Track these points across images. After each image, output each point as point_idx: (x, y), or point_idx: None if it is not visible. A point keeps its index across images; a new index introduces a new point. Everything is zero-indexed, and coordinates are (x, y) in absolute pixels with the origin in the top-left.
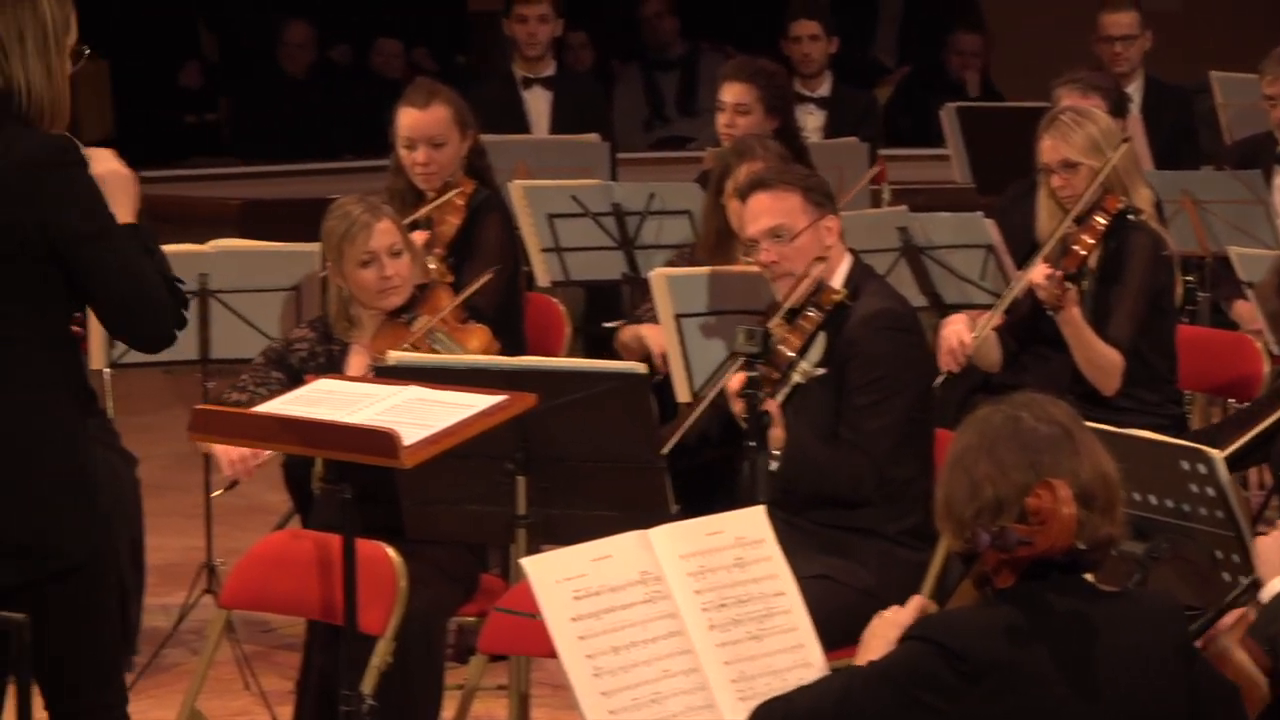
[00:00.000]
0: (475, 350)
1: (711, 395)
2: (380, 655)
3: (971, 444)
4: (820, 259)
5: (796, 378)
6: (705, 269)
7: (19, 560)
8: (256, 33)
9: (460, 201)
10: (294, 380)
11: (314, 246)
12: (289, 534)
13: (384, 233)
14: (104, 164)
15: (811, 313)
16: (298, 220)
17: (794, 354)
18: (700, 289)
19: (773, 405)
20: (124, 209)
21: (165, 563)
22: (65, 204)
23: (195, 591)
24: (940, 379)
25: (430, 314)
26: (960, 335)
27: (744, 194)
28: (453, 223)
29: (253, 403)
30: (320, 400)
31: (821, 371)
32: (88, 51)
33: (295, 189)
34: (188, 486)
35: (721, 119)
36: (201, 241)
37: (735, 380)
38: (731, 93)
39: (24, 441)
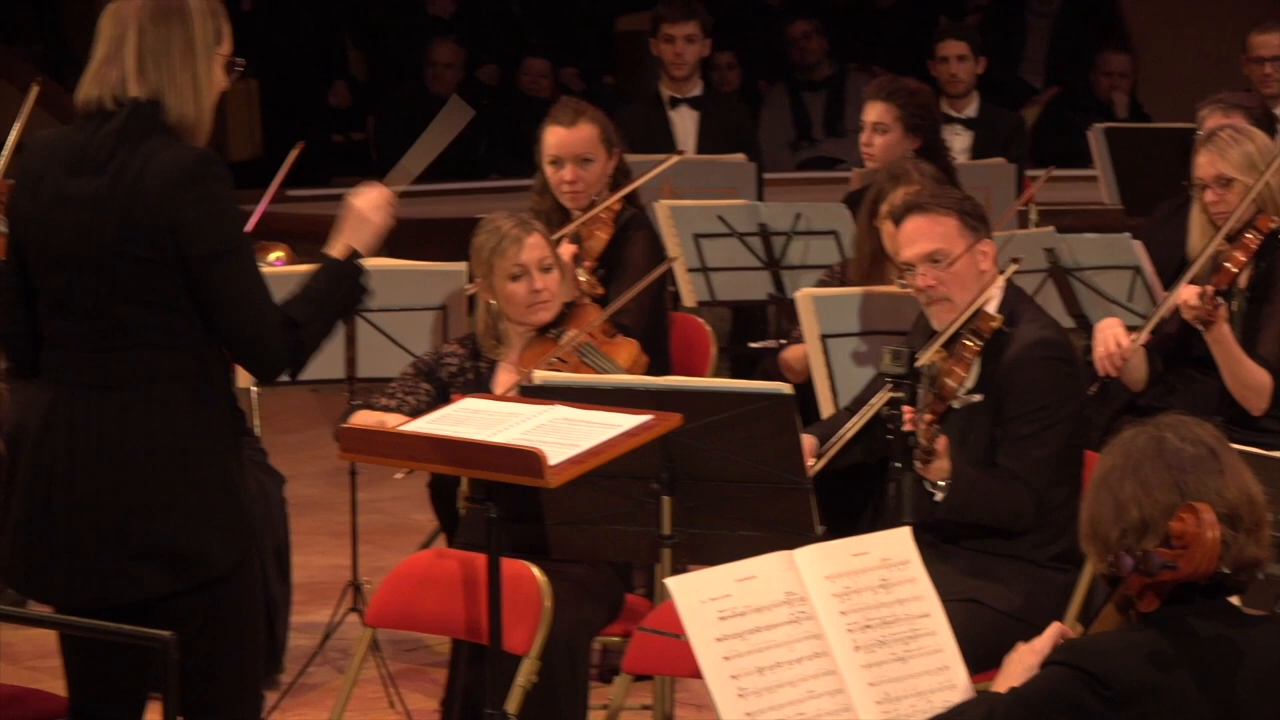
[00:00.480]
0: (625, 364)
1: (863, 418)
2: (525, 674)
3: (1116, 465)
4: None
5: (952, 403)
6: (850, 289)
7: (167, 570)
8: (404, 52)
9: (607, 216)
10: (442, 393)
11: (460, 266)
12: (434, 553)
13: (534, 247)
14: (358, 198)
15: (970, 341)
16: (445, 239)
17: (959, 385)
18: (846, 309)
19: (943, 441)
20: (339, 244)
21: (311, 581)
22: (195, 219)
23: (341, 610)
24: (1095, 387)
25: (579, 329)
26: (1118, 338)
27: (899, 217)
28: (601, 237)
29: (400, 411)
30: (466, 419)
31: (977, 398)
32: (242, 64)
33: (442, 208)
34: (334, 505)
35: (861, 138)
36: None
37: (884, 401)
38: (872, 112)
39: (175, 451)
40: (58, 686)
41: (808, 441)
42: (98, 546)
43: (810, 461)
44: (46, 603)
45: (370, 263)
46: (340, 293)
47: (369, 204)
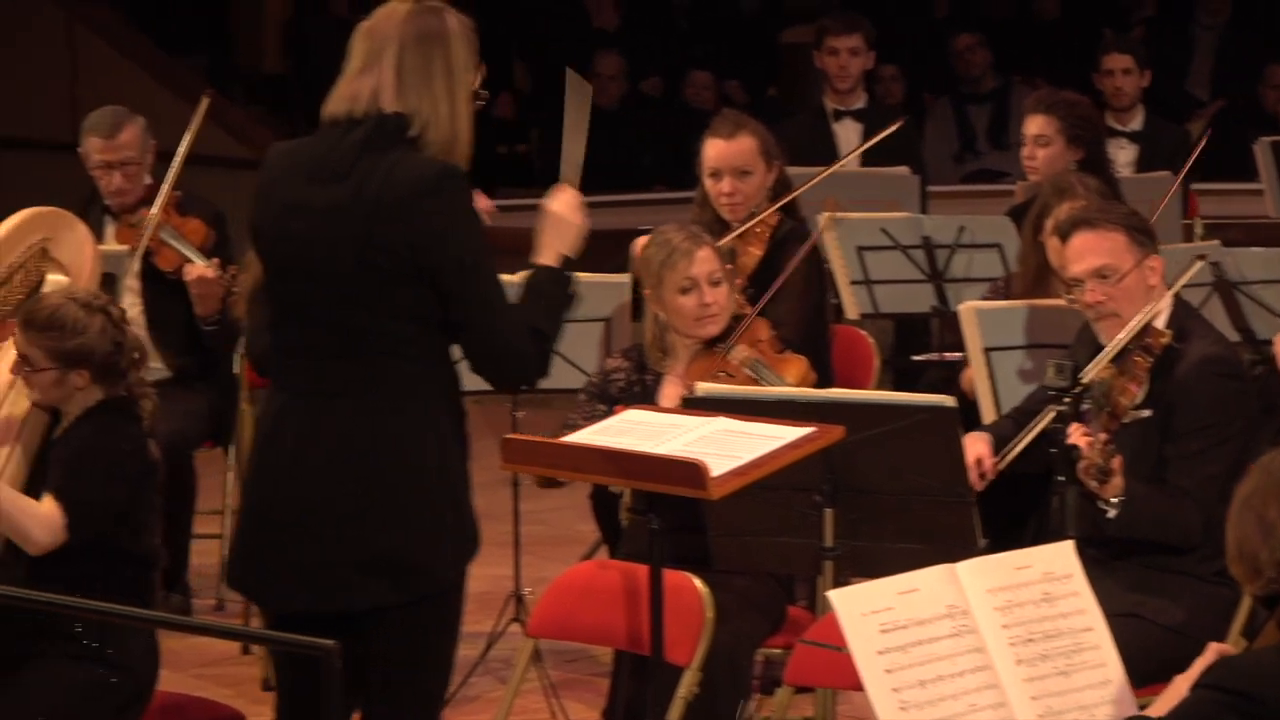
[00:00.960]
0: (794, 380)
1: (1031, 432)
2: (686, 686)
3: (1259, 487)
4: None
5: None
6: (1014, 303)
7: (391, 581)
8: (569, 64)
9: (762, 231)
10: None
11: (624, 277)
12: (596, 564)
13: (704, 260)
14: (553, 203)
15: (1140, 357)
16: (608, 251)
17: (1131, 402)
18: (1010, 323)
19: (1119, 460)
20: (548, 251)
21: (474, 591)
22: (438, 231)
23: (503, 620)
24: None
25: (747, 343)
26: None
27: (1065, 232)
28: (754, 253)
29: None
30: (629, 430)
31: (1146, 414)
32: (486, 96)
33: (605, 220)
34: (497, 515)
35: (1024, 151)
36: (511, 271)
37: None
38: (1033, 124)
39: (405, 462)
40: (221, 694)
41: (984, 440)
42: (322, 555)
43: (992, 459)
44: (268, 608)
45: (523, 276)
46: (562, 299)
47: (566, 207)
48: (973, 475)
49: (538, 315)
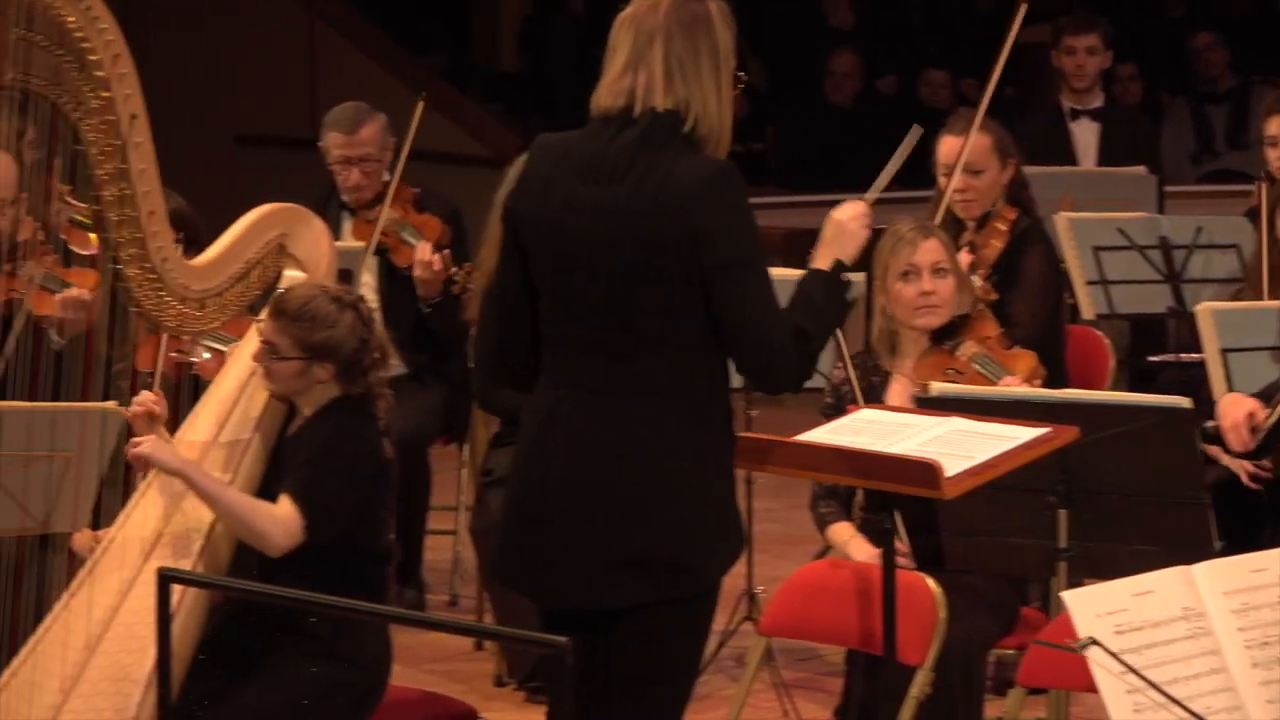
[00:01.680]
0: (1023, 375)
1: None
2: (919, 685)
3: None
4: None
5: None
6: (1252, 304)
7: (655, 579)
8: (804, 62)
9: (1003, 226)
10: None
11: (857, 276)
12: (829, 563)
13: (929, 250)
14: (839, 211)
15: None
16: None
17: None
18: (1247, 323)
19: None
20: (824, 256)
21: None
22: (713, 230)
23: (735, 618)
24: None
25: (975, 340)
26: None
27: None
28: (996, 245)
29: None
30: (862, 429)
31: None
32: (745, 79)
33: None
34: None
35: (1271, 154)
36: None
37: None
38: (1274, 124)
39: (674, 462)
40: (454, 690)
41: (1247, 398)
42: (588, 551)
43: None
44: (534, 602)
45: (774, 273)
46: (834, 304)
47: (849, 217)
48: (1242, 433)
49: (804, 317)
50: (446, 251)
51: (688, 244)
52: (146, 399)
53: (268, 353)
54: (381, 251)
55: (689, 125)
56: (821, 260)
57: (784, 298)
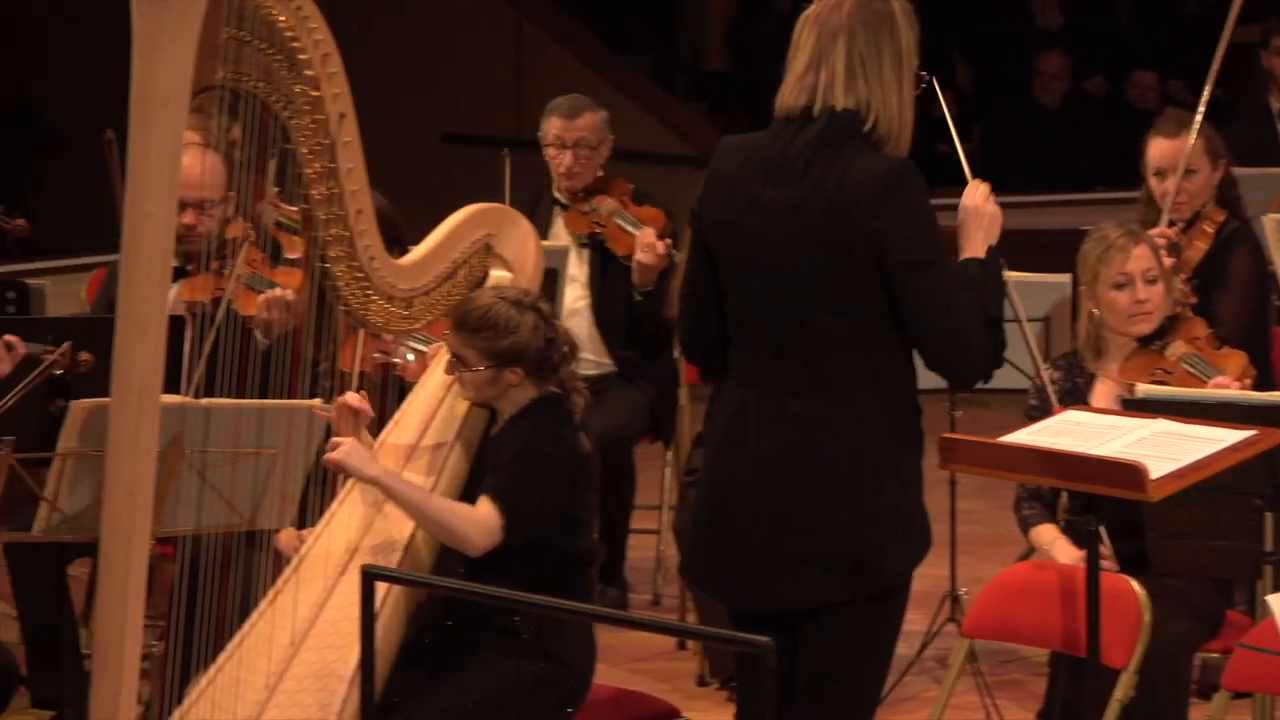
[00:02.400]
0: (1233, 374)
1: None
2: (1123, 689)
3: None
4: None
5: None
6: None
7: (844, 577)
8: (1011, 63)
9: (1209, 229)
10: None
11: (1063, 277)
12: (1033, 564)
13: (1140, 257)
14: (968, 197)
15: None
16: (1048, 251)
17: None
18: None
19: None
20: (973, 244)
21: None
22: (894, 228)
23: (939, 620)
24: None
25: (1184, 340)
26: None
27: None
28: (1199, 247)
29: None
30: (1066, 431)
31: None
32: (927, 78)
33: (1046, 219)
34: (934, 514)
35: None
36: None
37: None
38: None
39: (861, 460)
40: (657, 689)
41: None
42: (773, 551)
43: None
44: (723, 603)
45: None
46: (999, 287)
47: (980, 200)
48: None
49: (990, 305)
50: (669, 240)
51: (867, 243)
52: (352, 398)
53: (457, 365)
54: (596, 245)
55: (869, 124)
56: (971, 249)
57: (1039, 300)
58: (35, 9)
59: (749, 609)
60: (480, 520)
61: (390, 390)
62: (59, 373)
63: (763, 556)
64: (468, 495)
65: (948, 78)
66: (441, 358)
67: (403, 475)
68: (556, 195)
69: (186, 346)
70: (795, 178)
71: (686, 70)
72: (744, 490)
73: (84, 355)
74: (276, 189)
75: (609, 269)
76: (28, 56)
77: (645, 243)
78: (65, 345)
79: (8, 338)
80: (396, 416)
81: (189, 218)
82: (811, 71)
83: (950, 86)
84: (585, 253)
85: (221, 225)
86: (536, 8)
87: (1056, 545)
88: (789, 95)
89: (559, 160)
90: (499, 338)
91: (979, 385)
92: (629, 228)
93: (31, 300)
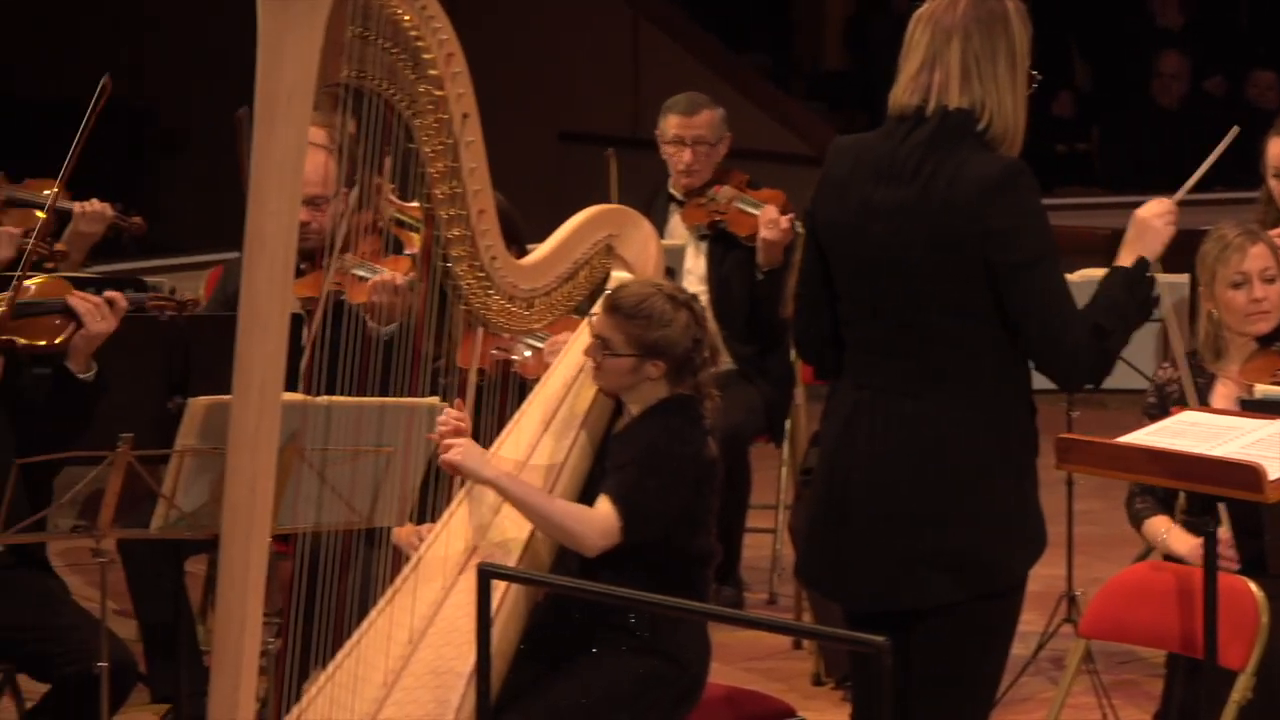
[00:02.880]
0: None
1: None
2: (1240, 691)
3: None
4: None
5: None
6: None
7: (959, 577)
8: (1130, 63)
9: None
10: None
11: (1181, 277)
12: (1150, 565)
13: (1258, 256)
14: (1144, 208)
15: None
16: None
17: None
18: None
19: None
20: (1127, 251)
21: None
22: (1005, 227)
23: (1055, 620)
24: None
25: None
26: None
27: None
28: None
29: None
30: (1184, 432)
31: None
32: (1039, 78)
33: None
34: (1050, 515)
35: None
36: (1069, 271)
37: None
38: None
39: (976, 460)
40: (772, 688)
41: None
42: (888, 551)
43: None
44: (837, 603)
45: (1089, 273)
46: (1136, 301)
47: (1153, 214)
48: None
49: (1102, 313)
50: (792, 214)
51: (979, 243)
52: (449, 419)
53: (600, 348)
54: (716, 234)
55: (983, 124)
56: (1125, 257)
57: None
58: (155, 7)
59: (864, 609)
60: (598, 522)
61: (511, 386)
62: (169, 315)
63: (878, 557)
64: (589, 491)
65: (1067, 78)
66: (564, 355)
67: (523, 474)
68: (672, 192)
69: (306, 349)
70: (907, 178)
71: (804, 70)
72: (859, 490)
73: (190, 296)
74: (393, 185)
75: (728, 259)
76: (149, 55)
77: (768, 219)
78: (170, 288)
79: (109, 294)
80: (517, 416)
81: (303, 214)
82: (925, 71)
83: (1069, 86)
84: (704, 245)
85: (335, 221)
86: (654, 7)
87: (1171, 533)
88: (902, 95)
89: (678, 157)
90: (651, 328)
91: (1089, 387)
92: (749, 209)
93: None
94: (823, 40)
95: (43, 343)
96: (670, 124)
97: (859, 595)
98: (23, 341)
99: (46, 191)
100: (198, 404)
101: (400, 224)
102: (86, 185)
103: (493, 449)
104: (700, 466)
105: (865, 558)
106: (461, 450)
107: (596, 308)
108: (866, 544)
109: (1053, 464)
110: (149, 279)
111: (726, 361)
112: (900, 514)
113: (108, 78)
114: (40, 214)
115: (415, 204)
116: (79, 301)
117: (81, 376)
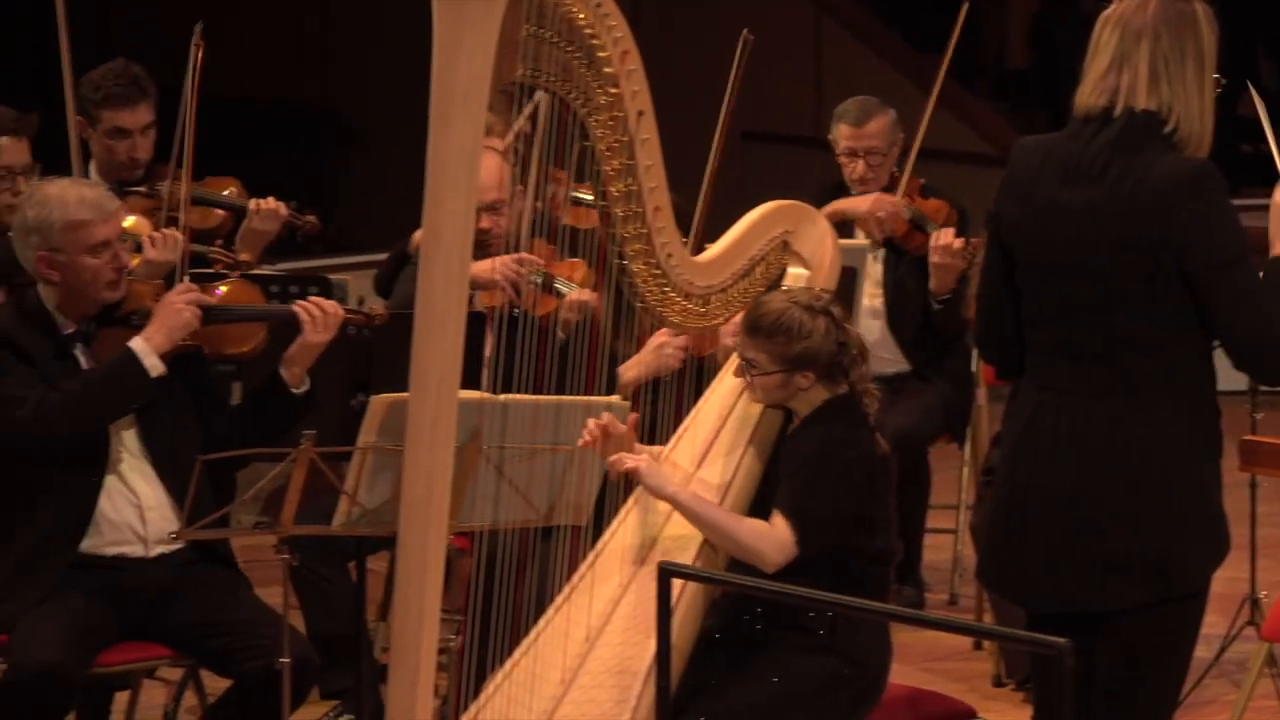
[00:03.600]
0: None
1: None
2: None
3: None
4: None
5: None
6: None
7: (1142, 581)
8: None
9: None
10: None
11: None
12: None
13: None
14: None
15: None
16: None
17: None
18: None
19: None
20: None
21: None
22: (1197, 229)
23: (1238, 623)
24: None
25: None
26: None
27: None
28: None
29: None
30: None
31: None
32: (1224, 81)
33: None
34: (1233, 517)
35: None
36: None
37: None
38: None
39: (1162, 463)
40: (952, 689)
41: None
42: (1071, 554)
43: None
44: (1019, 605)
45: None
46: None
47: None
48: None
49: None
50: (963, 239)
51: (1168, 245)
52: (606, 419)
53: (747, 369)
54: (889, 242)
55: (1170, 126)
56: (1275, 248)
57: None
58: (338, 7)
59: (1045, 611)
60: (776, 538)
61: (688, 377)
62: (356, 330)
63: (1059, 559)
64: (763, 494)
65: (1253, 77)
66: (731, 362)
67: (697, 477)
68: (851, 194)
69: (487, 351)
70: (1093, 179)
71: (987, 69)
72: (1040, 493)
73: (378, 310)
74: (565, 172)
75: (901, 264)
76: (333, 56)
77: (939, 245)
78: (360, 298)
79: (322, 301)
80: (687, 422)
81: (485, 222)
82: (1113, 72)
83: (1256, 86)
84: (881, 251)
85: (517, 222)
86: (837, 5)
87: None
88: (1088, 95)
89: (851, 168)
90: (792, 343)
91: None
92: (919, 223)
93: (333, 295)
94: (1007, 39)
95: (233, 352)
96: (842, 134)
97: (1040, 597)
98: (219, 350)
99: (227, 191)
100: (379, 401)
101: (578, 202)
102: (264, 183)
103: (666, 451)
104: (869, 465)
105: (1047, 560)
106: (645, 469)
107: (733, 329)
108: (1048, 546)
109: (1236, 466)
110: (333, 277)
111: (903, 362)
112: (1083, 516)
113: (199, 31)
114: (220, 212)
115: (588, 184)
116: (302, 310)
117: (296, 391)
